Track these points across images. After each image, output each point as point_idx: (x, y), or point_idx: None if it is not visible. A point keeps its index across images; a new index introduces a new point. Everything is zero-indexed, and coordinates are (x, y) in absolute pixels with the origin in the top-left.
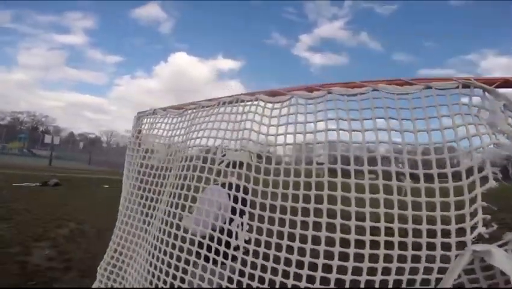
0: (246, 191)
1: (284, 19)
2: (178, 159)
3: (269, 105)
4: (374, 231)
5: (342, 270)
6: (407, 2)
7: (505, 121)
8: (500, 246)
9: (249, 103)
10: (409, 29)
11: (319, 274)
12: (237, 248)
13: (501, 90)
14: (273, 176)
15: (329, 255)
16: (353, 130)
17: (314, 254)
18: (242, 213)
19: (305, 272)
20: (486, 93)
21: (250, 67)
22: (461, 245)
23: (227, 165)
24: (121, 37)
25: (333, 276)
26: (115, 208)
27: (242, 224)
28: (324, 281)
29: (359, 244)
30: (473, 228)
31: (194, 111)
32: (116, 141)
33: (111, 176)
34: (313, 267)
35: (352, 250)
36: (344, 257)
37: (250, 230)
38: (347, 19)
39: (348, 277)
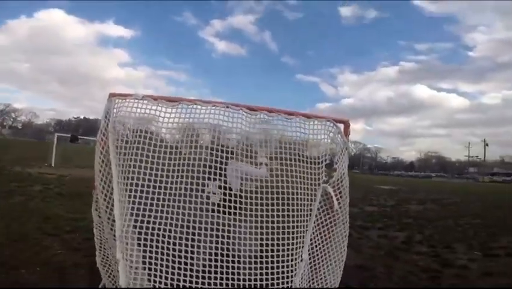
0: None
1: (203, 1)
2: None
3: None
4: None
5: None
6: (310, 13)
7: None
8: None
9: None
10: (301, 37)
11: None
12: None
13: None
14: None
15: None
16: None
17: None
18: None
19: None
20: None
21: (144, 40)
22: None
23: None
24: None
25: None
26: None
27: None
28: None
29: None
30: None
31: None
32: None
33: None
34: None
35: None
36: None
37: None
38: (259, 16)
39: None
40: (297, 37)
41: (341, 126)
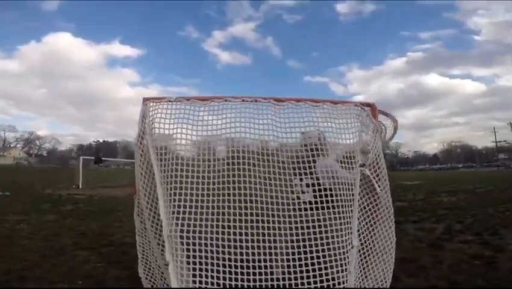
0: None
1: (202, 13)
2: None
3: None
4: None
5: None
6: (308, 14)
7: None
8: None
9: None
10: (304, 40)
11: None
12: None
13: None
14: None
15: None
16: None
17: None
18: None
19: None
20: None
21: (151, 57)
22: None
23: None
24: None
25: None
26: None
27: None
28: None
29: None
30: None
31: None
32: None
33: None
34: None
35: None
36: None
37: None
38: (259, 22)
39: None
40: (299, 39)
41: (368, 109)
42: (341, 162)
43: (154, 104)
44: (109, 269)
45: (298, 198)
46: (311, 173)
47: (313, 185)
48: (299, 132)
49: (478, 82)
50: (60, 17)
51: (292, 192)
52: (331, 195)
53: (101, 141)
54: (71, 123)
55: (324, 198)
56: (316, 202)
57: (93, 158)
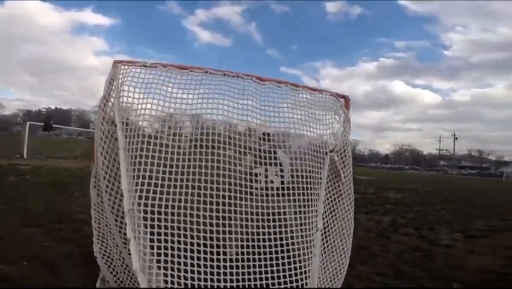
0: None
1: None
2: None
3: None
4: None
5: None
6: (297, 7)
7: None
8: None
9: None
10: (286, 31)
11: None
12: None
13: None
14: None
15: None
16: None
17: None
18: None
19: None
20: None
21: (123, 27)
22: None
23: None
24: None
25: None
26: None
27: None
28: None
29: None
30: None
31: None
32: None
33: None
34: None
35: None
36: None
37: None
38: (246, 7)
39: None
40: (282, 30)
41: (342, 100)
42: (312, 147)
43: (125, 67)
44: (58, 248)
45: (266, 184)
46: (275, 164)
47: (277, 173)
48: (277, 115)
49: (436, 93)
50: None
51: (256, 180)
52: (297, 182)
53: (53, 108)
54: (21, 88)
55: (290, 184)
56: (283, 188)
57: (42, 124)
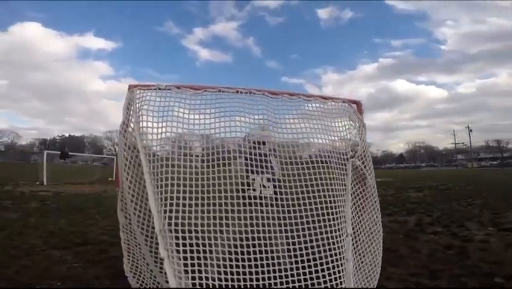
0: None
1: (184, 10)
2: None
3: None
4: None
5: None
6: (291, 17)
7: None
8: None
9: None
10: (284, 42)
11: None
12: None
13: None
14: None
15: None
16: None
17: None
18: None
19: None
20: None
21: (126, 51)
22: None
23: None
24: None
25: None
26: None
27: None
28: None
29: None
30: None
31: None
32: None
33: None
34: None
35: None
36: None
37: None
38: (242, 22)
39: None
40: (280, 41)
41: (354, 106)
42: (334, 155)
43: (141, 91)
44: (87, 269)
45: (260, 192)
46: (272, 168)
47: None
48: (291, 127)
49: (441, 88)
50: (29, 7)
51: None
52: (322, 190)
53: (66, 135)
54: (34, 116)
55: (315, 193)
56: (303, 198)
57: (59, 152)
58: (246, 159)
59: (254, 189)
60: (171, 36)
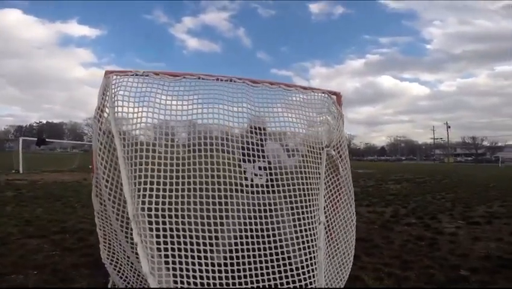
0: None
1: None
2: None
3: None
4: None
5: None
6: (283, 10)
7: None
8: None
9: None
10: (275, 34)
11: None
12: None
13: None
14: None
15: None
16: None
17: None
18: None
19: None
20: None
21: (111, 38)
22: None
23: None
24: None
25: None
26: None
27: None
28: None
29: None
30: None
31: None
32: None
33: None
34: None
35: None
36: None
37: None
38: (233, 13)
39: None
40: (271, 33)
41: (334, 97)
42: (309, 144)
43: (118, 77)
44: (65, 257)
45: (252, 180)
46: (263, 156)
47: (265, 168)
48: (271, 115)
49: (424, 86)
50: None
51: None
52: (286, 179)
53: (44, 122)
54: (9, 104)
55: (290, 180)
56: (278, 185)
57: (35, 139)
58: (239, 148)
59: (246, 178)
60: (159, 24)
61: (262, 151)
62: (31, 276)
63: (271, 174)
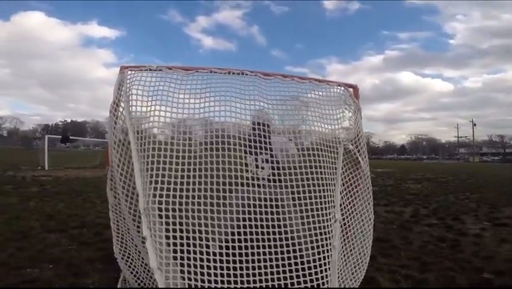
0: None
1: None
2: None
3: None
4: None
5: None
6: (296, 7)
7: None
8: None
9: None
10: (289, 31)
11: None
12: None
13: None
14: None
15: None
16: None
17: None
18: None
19: None
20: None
21: (130, 39)
22: None
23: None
24: None
25: None
26: None
27: None
28: None
29: None
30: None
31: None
32: None
33: None
34: None
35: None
36: None
37: None
38: (247, 10)
39: None
40: (285, 30)
41: (351, 90)
42: (325, 138)
43: (132, 72)
44: (81, 251)
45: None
46: (271, 150)
47: (271, 161)
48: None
49: (447, 82)
50: None
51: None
52: (311, 172)
53: (68, 121)
54: (38, 103)
55: (304, 175)
56: (274, 180)
57: (60, 136)
58: (245, 140)
59: (250, 170)
60: (175, 24)
61: (268, 143)
62: (46, 270)
63: (273, 168)
